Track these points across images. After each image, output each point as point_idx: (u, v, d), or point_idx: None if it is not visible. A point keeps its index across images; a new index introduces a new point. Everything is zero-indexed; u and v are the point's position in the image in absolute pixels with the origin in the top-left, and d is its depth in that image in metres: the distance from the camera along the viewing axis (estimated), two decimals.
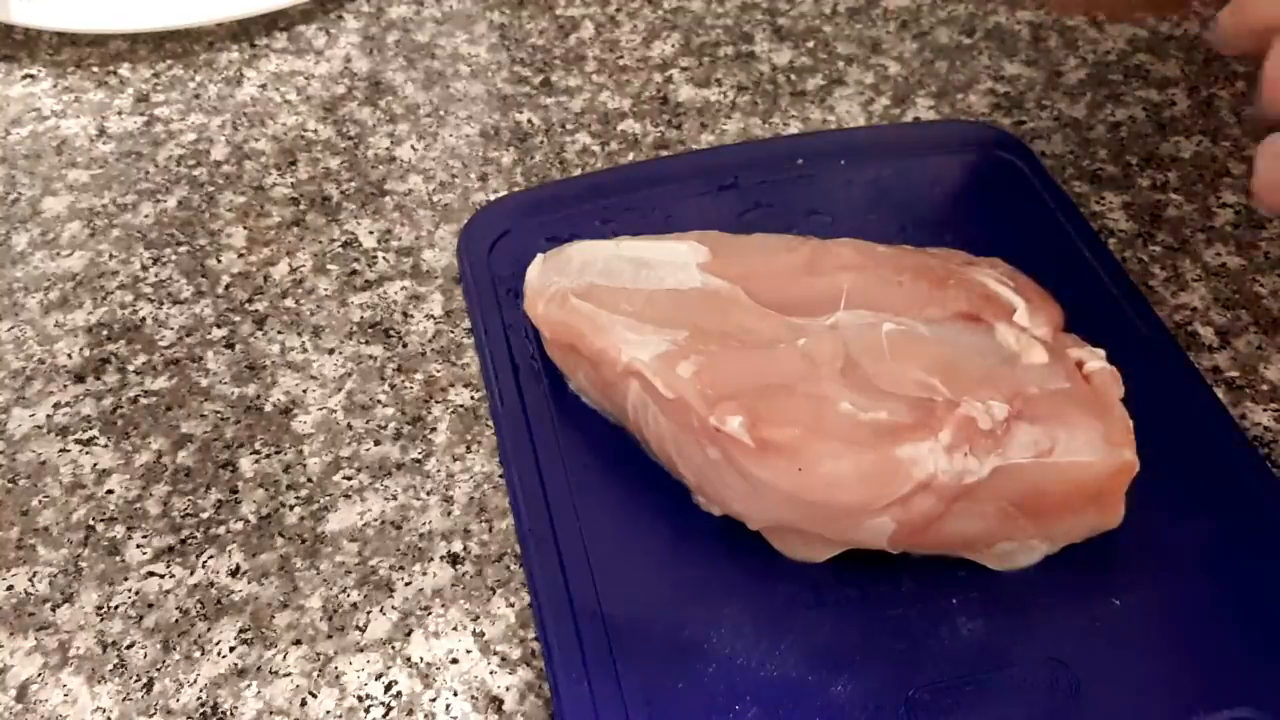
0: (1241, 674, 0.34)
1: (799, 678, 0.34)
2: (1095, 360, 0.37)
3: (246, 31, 0.61)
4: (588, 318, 0.39)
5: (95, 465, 0.41)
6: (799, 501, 0.34)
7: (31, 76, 0.59)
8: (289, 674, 0.36)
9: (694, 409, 0.35)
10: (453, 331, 0.46)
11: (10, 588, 0.38)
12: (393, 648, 0.36)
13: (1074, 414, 0.35)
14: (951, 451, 0.33)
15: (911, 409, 0.35)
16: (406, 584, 0.38)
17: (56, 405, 0.43)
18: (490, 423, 0.42)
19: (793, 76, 0.57)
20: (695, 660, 0.35)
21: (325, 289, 0.47)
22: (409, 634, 0.37)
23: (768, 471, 0.34)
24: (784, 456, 0.34)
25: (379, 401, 0.43)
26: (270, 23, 0.61)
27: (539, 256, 0.42)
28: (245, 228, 0.50)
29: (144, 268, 0.49)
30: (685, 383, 0.36)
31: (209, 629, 0.37)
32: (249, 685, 0.36)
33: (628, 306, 0.39)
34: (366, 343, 0.45)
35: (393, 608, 0.37)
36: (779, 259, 0.41)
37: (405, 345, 0.45)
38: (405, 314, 0.46)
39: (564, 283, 0.40)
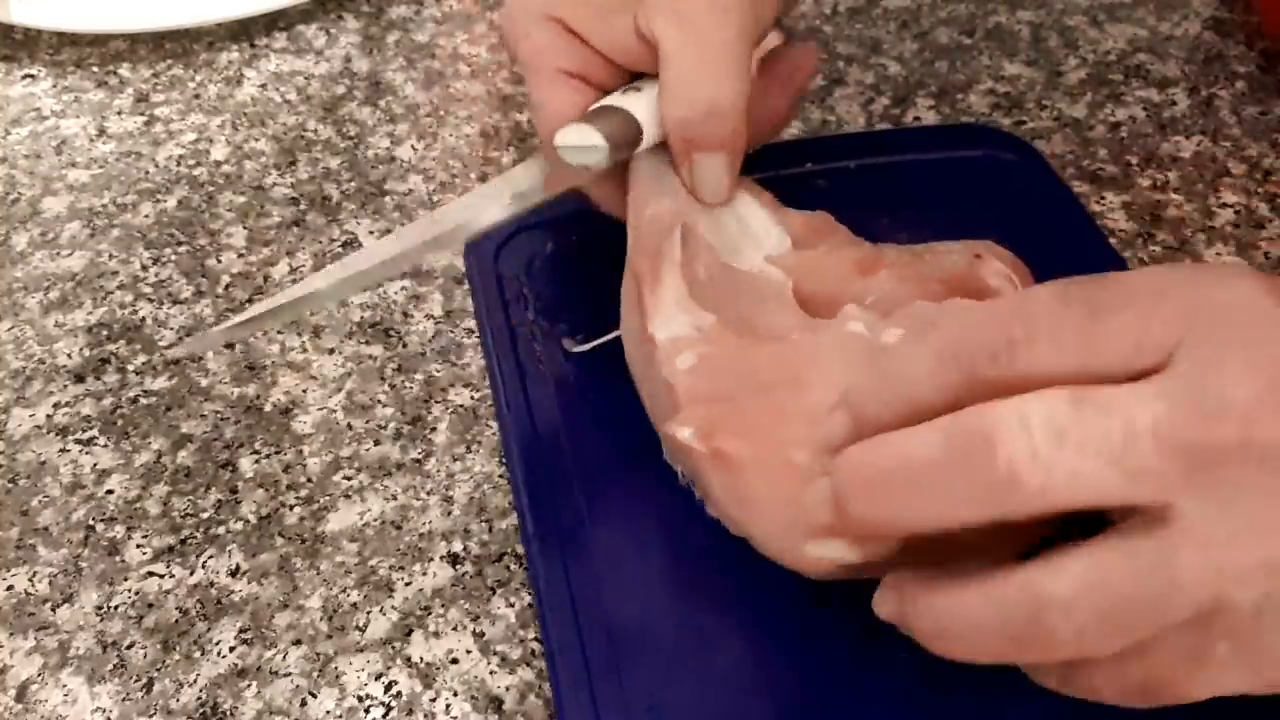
0: None
1: (801, 678, 0.34)
2: None
3: (246, 31, 0.61)
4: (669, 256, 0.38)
5: (95, 465, 0.41)
6: (732, 522, 0.34)
7: (31, 76, 0.59)
8: (289, 674, 0.36)
9: (675, 403, 0.35)
10: (453, 331, 0.46)
11: (10, 588, 0.38)
12: (393, 648, 0.36)
13: None
14: None
15: None
16: (406, 584, 0.38)
17: (56, 405, 0.43)
18: (490, 423, 0.42)
19: None
20: (697, 661, 0.34)
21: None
22: (409, 634, 0.37)
23: (715, 483, 0.34)
24: (730, 472, 0.33)
25: (379, 401, 0.43)
26: (270, 23, 0.61)
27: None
28: (245, 228, 0.50)
29: (144, 268, 0.49)
30: (680, 375, 0.36)
31: (209, 629, 0.37)
32: (249, 685, 0.36)
33: (699, 268, 0.38)
34: (366, 343, 0.45)
35: (393, 608, 0.37)
36: (839, 255, 0.40)
37: (405, 345, 0.45)
38: (405, 314, 0.46)
39: (670, 203, 0.39)
